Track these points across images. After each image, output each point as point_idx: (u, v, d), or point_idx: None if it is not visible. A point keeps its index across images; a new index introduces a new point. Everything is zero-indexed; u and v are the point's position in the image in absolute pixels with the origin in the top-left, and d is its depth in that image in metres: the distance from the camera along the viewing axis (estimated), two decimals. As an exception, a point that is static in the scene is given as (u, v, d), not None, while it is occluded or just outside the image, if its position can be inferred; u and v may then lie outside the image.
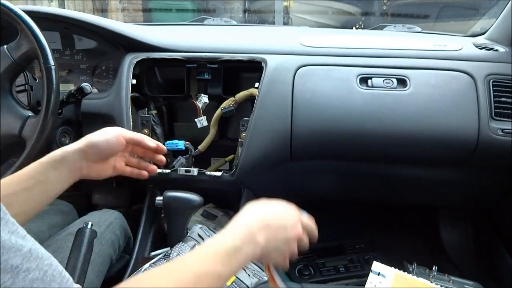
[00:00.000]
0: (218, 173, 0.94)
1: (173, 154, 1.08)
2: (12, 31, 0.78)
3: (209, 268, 0.45)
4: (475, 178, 1.03)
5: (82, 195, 1.28)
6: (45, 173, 0.59)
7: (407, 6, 2.64)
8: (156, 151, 0.74)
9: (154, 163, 0.78)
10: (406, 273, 0.80)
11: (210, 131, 0.99)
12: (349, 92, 0.92)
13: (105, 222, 0.86)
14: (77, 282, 0.68)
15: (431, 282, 0.82)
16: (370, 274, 0.80)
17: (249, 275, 0.76)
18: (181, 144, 0.95)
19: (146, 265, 0.76)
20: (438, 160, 0.97)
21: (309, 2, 2.67)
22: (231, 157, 1.01)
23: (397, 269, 0.81)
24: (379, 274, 0.80)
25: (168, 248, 0.85)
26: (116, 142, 0.66)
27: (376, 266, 0.81)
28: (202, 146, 0.99)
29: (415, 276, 0.80)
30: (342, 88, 0.92)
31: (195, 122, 0.99)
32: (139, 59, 0.98)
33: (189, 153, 0.98)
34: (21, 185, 0.57)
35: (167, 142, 0.95)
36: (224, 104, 0.98)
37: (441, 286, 0.80)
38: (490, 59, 0.97)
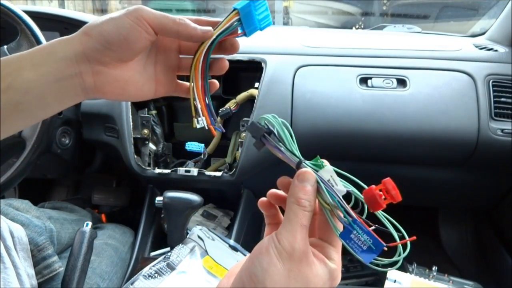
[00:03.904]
0: (218, 173, 0.94)
1: (173, 155, 1.08)
2: (12, 31, 0.78)
3: None
4: (475, 178, 1.03)
5: (81, 199, 1.29)
6: (18, 73, 0.34)
7: (407, 6, 2.64)
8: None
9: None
10: (422, 278, 0.79)
11: (216, 134, 1.00)
12: (349, 92, 0.92)
13: (123, 242, 0.92)
14: (77, 282, 0.69)
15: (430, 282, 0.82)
16: (386, 281, 0.78)
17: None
18: (201, 147, 0.96)
19: (146, 268, 0.75)
20: (438, 160, 0.97)
21: (309, 2, 2.67)
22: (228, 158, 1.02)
23: (413, 275, 0.79)
24: (395, 281, 0.78)
25: (168, 249, 0.85)
26: (135, 28, 0.35)
27: (392, 273, 0.79)
28: (210, 149, 1.00)
29: (432, 281, 0.79)
30: (342, 88, 0.92)
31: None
32: (139, 59, 0.97)
33: (202, 156, 0.98)
34: None
35: (188, 143, 0.95)
36: (226, 106, 0.98)
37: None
38: (490, 60, 0.97)
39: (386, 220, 0.30)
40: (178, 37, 0.38)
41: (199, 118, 0.40)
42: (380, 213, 0.31)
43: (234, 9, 0.36)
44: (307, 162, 0.32)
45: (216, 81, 0.41)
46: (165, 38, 0.40)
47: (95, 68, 0.36)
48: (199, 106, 0.39)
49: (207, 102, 0.39)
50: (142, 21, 0.35)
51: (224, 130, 0.49)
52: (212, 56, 0.39)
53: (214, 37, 0.37)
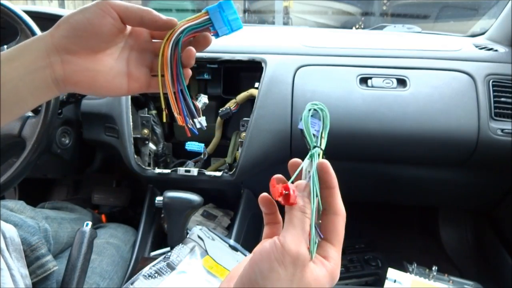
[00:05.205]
0: (218, 173, 0.94)
1: (173, 155, 1.07)
2: (12, 31, 0.78)
3: None
4: (475, 178, 1.03)
5: (81, 199, 1.29)
6: None
7: (407, 6, 2.63)
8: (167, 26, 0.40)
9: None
10: (423, 278, 0.78)
11: (216, 134, 1.00)
12: (349, 92, 0.92)
13: (124, 241, 0.92)
14: (77, 282, 0.69)
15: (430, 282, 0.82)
16: (386, 281, 0.78)
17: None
18: (201, 147, 0.95)
19: (146, 268, 0.75)
20: (438, 160, 0.97)
21: (309, 2, 2.67)
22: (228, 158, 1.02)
23: (413, 275, 0.79)
24: (395, 281, 0.78)
25: (168, 248, 0.85)
26: (100, 13, 0.37)
27: (392, 273, 0.79)
28: (210, 149, 1.00)
29: (432, 281, 0.78)
30: (342, 88, 0.92)
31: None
32: (139, 59, 0.97)
33: (202, 156, 0.98)
34: None
35: (188, 143, 0.95)
36: (226, 106, 0.98)
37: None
38: (490, 59, 0.97)
39: None
40: (142, 23, 0.39)
41: (196, 120, 0.40)
42: None
43: (205, 11, 0.39)
44: (313, 151, 0.34)
45: (188, 69, 0.41)
46: (140, 38, 0.42)
47: (64, 58, 0.37)
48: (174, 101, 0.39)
49: (181, 97, 0.39)
50: (107, 7, 0.38)
51: (203, 128, 0.42)
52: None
53: (184, 27, 0.39)
